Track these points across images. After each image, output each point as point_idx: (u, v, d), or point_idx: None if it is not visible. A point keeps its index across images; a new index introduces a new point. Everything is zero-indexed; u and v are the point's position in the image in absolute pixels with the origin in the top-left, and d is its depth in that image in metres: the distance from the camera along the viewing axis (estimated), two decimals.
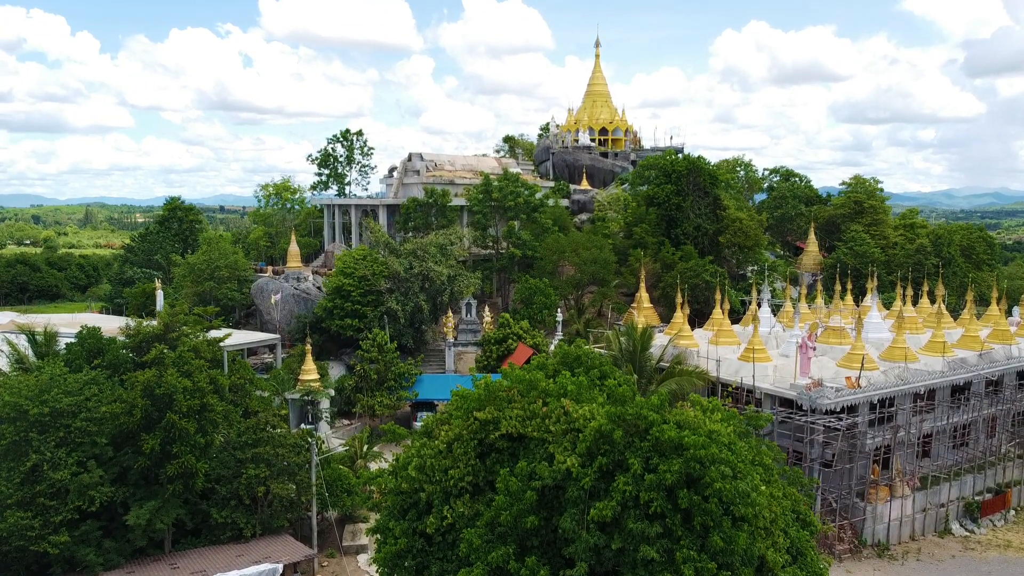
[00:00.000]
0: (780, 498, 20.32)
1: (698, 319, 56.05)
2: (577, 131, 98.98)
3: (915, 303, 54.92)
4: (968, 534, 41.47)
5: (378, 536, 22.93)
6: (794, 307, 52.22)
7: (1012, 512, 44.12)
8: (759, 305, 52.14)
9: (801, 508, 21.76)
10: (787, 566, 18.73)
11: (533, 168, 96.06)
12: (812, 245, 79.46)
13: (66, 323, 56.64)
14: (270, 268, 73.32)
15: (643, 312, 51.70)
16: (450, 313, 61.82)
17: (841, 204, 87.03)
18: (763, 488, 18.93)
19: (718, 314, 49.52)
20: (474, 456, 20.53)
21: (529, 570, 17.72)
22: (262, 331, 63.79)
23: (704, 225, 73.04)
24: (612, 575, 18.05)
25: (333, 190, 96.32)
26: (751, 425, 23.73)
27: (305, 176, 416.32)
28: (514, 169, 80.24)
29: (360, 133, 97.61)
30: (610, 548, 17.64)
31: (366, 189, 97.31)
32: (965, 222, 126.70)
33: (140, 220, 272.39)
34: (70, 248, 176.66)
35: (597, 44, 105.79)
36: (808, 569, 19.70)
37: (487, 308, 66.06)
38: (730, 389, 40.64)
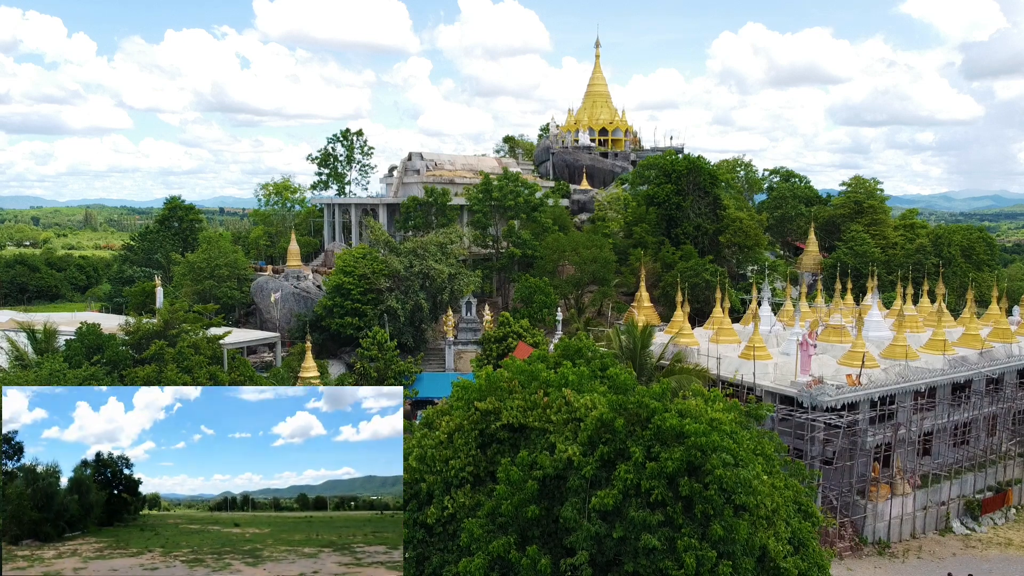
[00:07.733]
0: (782, 488, 20.23)
1: (698, 318, 55.99)
2: (577, 131, 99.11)
3: (915, 302, 54.83)
4: (969, 532, 41.39)
5: None
6: (794, 306, 52.18)
7: (1013, 510, 44.04)
8: (759, 304, 52.06)
9: (803, 499, 21.68)
10: (789, 556, 18.62)
11: (533, 168, 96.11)
12: (812, 245, 79.44)
13: (66, 321, 56.63)
14: (270, 267, 73.38)
15: (643, 311, 51.58)
16: (450, 312, 61.77)
17: (841, 204, 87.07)
18: (764, 477, 18.85)
19: (718, 312, 49.44)
20: (475, 446, 20.44)
21: (530, 560, 17.62)
22: (262, 330, 63.80)
23: (704, 225, 73.06)
24: (613, 564, 17.97)
25: (333, 190, 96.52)
26: (751, 415, 23.63)
27: (304, 177, 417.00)
28: (514, 169, 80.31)
29: (360, 133, 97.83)
30: (611, 537, 17.57)
31: (366, 188, 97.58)
32: (965, 223, 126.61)
33: (139, 223, 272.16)
34: (69, 249, 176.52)
35: (597, 45, 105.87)
36: (810, 560, 19.58)
37: (487, 307, 66.00)
38: (731, 381, 40.62)
